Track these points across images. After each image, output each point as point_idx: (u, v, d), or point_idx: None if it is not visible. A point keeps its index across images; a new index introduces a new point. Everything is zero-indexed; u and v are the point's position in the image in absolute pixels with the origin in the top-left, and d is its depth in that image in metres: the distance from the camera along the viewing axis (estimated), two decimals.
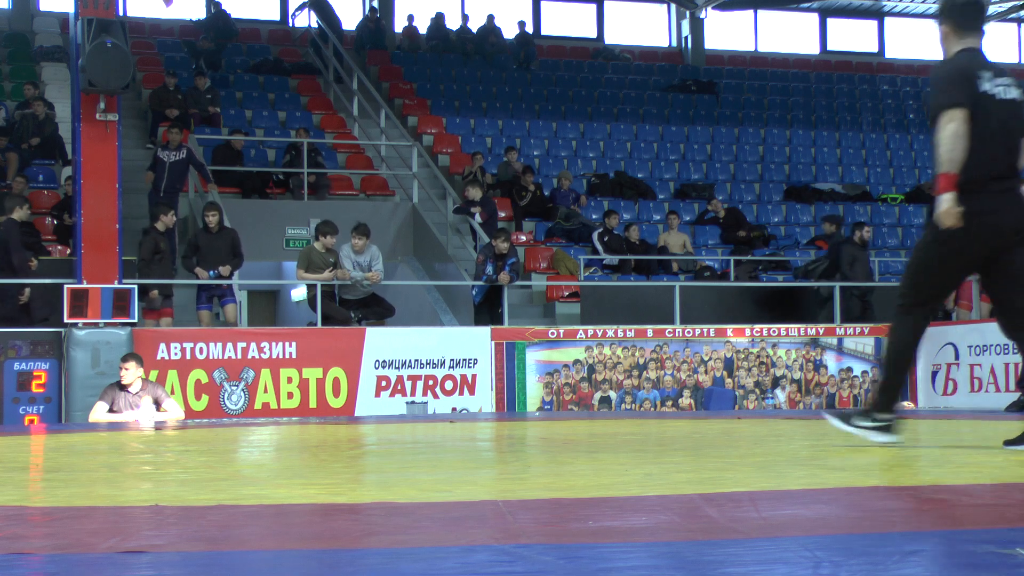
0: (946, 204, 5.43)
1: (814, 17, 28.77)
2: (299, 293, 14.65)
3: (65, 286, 12.47)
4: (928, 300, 5.76)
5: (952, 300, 15.35)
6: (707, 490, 4.13)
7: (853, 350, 15.07)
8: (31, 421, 12.33)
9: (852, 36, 29.01)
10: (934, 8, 28.75)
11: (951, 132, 5.44)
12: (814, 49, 28.70)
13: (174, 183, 15.68)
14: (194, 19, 23.57)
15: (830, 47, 28.78)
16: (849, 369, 15.03)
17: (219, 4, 23.29)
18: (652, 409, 14.17)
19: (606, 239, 17.51)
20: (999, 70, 5.65)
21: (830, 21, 28.86)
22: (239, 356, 12.96)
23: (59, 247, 15.58)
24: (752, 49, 28.25)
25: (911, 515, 3.50)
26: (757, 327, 14.84)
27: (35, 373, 12.49)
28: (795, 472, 5.00)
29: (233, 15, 23.34)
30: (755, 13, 28.17)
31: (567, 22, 27.24)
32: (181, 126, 16.32)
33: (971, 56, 5.61)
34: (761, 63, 27.41)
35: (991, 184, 5.51)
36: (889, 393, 5.80)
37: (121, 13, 12.60)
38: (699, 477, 4.73)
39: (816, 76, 26.81)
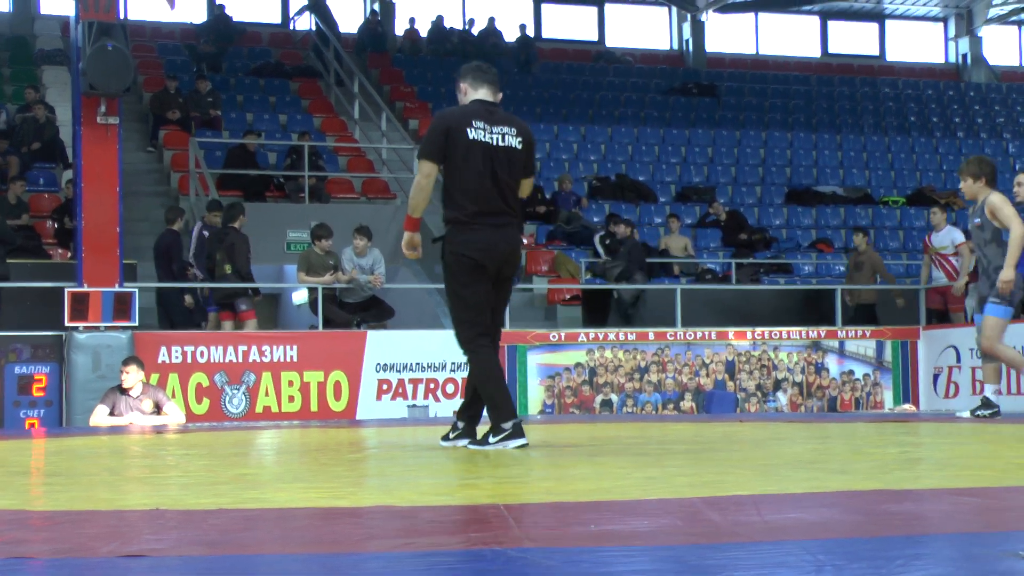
0: (404, 240, 6.56)
1: (815, 20, 28.78)
2: (300, 296, 14.65)
3: (66, 289, 12.47)
4: (484, 325, 6.43)
5: (944, 304, 15.33)
6: (709, 493, 4.12)
7: (855, 353, 15.06)
8: (32, 425, 12.33)
9: (853, 39, 29.02)
10: (935, 11, 28.81)
11: (417, 183, 6.47)
12: (815, 52, 28.71)
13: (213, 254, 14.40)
14: (195, 22, 23.58)
15: (831, 50, 28.79)
16: (851, 372, 15.02)
17: (222, 7, 23.31)
18: (654, 412, 14.17)
19: (607, 242, 17.50)
20: (501, 119, 6.45)
21: (831, 24, 28.87)
22: (240, 359, 12.96)
23: (60, 250, 15.59)
24: (753, 52, 28.26)
25: (914, 519, 3.49)
26: (759, 330, 14.84)
27: (36, 377, 12.50)
28: (797, 475, 4.99)
29: (234, 18, 23.36)
30: (756, 16, 28.19)
31: (568, 25, 27.26)
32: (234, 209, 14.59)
33: (471, 107, 6.47)
34: (762, 66, 27.42)
35: (481, 219, 6.33)
36: (499, 408, 6.37)
37: (122, 16, 12.60)
38: (701, 480, 4.72)
39: (817, 79, 26.82)
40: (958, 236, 15.19)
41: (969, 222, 9.75)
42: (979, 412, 9.73)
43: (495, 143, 6.38)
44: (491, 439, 6.36)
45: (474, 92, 6.53)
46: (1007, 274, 9.03)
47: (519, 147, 6.46)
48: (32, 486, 5.16)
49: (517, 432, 6.32)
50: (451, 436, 6.72)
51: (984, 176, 9.36)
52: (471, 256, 6.36)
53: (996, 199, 9.21)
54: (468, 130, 6.35)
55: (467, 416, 6.75)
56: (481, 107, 6.47)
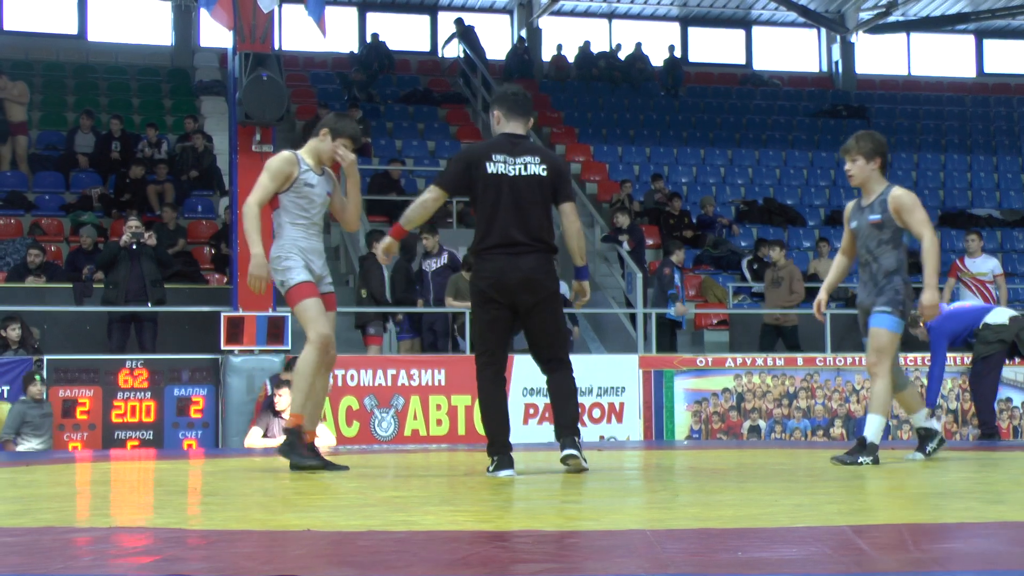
0: (383, 244, 6.86)
1: (970, 39, 28.15)
2: None
3: (222, 314, 12.79)
4: (490, 354, 6.66)
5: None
6: (859, 522, 4.06)
7: (1012, 380, 14.65)
8: (189, 446, 12.66)
9: (1011, 57, 28.29)
10: None
11: (420, 199, 6.67)
12: (970, 72, 28.07)
13: (440, 294, 14.31)
14: (343, 51, 23.99)
15: (987, 69, 28.12)
16: (1008, 400, 14.61)
17: (375, 35, 23.73)
18: (803, 439, 13.96)
19: (755, 266, 17.34)
20: (525, 150, 6.58)
21: (987, 42, 28.21)
22: (389, 383, 13.13)
23: (216, 276, 16.00)
24: (905, 73, 27.76)
25: None
26: (911, 356, 14.52)
27: (193, 399, 12.83)
28: (951, 505, 4.89)
29: (385, 46, 23.78)
30: (908, 36, 27.68)
31: (715, 48, 27.12)
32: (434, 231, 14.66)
33: (495, 141, 6.65)
34: (914, 87, 26.93)
35: (495, 249, 6.49)
36: (489, 439, 6.66)
37: (276, 47, 12.92)
38: (851, 508, 4.65)
39: (972, 99, 26.22)
40: (996, 264, 15.10)
41: (855, 216, 7.74)
42: (930, 448, 7.70)
43: (518, 173, 6.53)
44: (488, 468, 6.56)
45: (505, 124, 6.69)
46: (931, 296, 7.32)
47: (545, 174, 6.57)
48: (189, 505, 5.30)
49: (503, 464, 6.51)
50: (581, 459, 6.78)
51: (880, 157, 7.52)
52: (479, 286, 6.58)
53: (908, 198, 7.40)
54: (488, 164, 6.53)
55: (560, 428, 6.80)
56: (505, 140, 6.63)
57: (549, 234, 6.63)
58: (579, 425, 6.89)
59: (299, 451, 7.03)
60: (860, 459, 7.15)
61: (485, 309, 6.61)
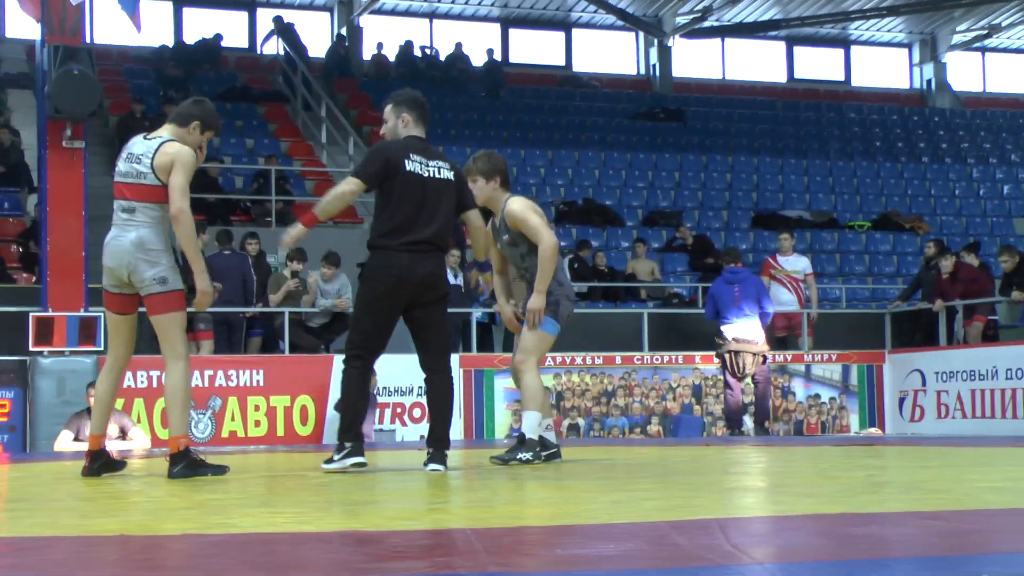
0: (292, 232, 6.84)
1: (781, 45, 28.93)
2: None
3: (30, 314, 12.39)
4: (370, 352, 6.76)
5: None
6: (675, 517, 4.13)
7: (821, 377, 15.12)
8: None
9: (819, 64, 29.19)
10: (900, 37, 29.06)
11: (338, 190, 6.75)
12: (781, 77, 28.87)
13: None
14: (155, 46, 23.43)
15: (797, 75, 28.95)
16: (817, 396, 15.07)
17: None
18: (620, 436, 14.17)
19: (575, 266, 17.53)
20: (435, 155, 6.84)
21: (797, 49, 29.04)
22: (206, 384, 12.89)
23: (24, 275, 15.48)
24: (720, 77, 28.40)
25: (879, 542, 3.51)
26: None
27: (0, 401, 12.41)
28: (763, 499, 5.00)
29: (206, 42, 23.32)
30: (723, 41, 28.33)
31: (535, 50, 27.32)
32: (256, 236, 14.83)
33: (409, 142, 6.80)
34: (728, 91, 27.56)
35: (403, 246, 6.60)
36: (344, 427, 6.73)
37: (88, 40, 12.57)
38: (667, 504, 4.73)
39: (783, 104, 26.95)
40: (807, 264, 15.85)
41: (496, 238, 7.53)
42: (522, 456, 7.21)
43: (431, 175, 6.73)
44: (335, 457, 6.63)
45: (414, 128, 6.86)
46: (537, 301, 7.29)
47: (452, 179, 6.81)
48: None
49: (356, 451, 6.61)
50: (425, 463, 6.80)
51: (498, 175, 7.43)
52: (384, 282, 6.65)
53: (518, 207, 7.33)
54: (406, 162, 6.67)
55: (433, 440, 6.80)
56: (418, 143, 6.82)
57: (449, 237, 6.83)
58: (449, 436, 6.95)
59: (201, 466, 6.52)
60: (520, 455, 7.16)
61: (379, 308, 6.67)
